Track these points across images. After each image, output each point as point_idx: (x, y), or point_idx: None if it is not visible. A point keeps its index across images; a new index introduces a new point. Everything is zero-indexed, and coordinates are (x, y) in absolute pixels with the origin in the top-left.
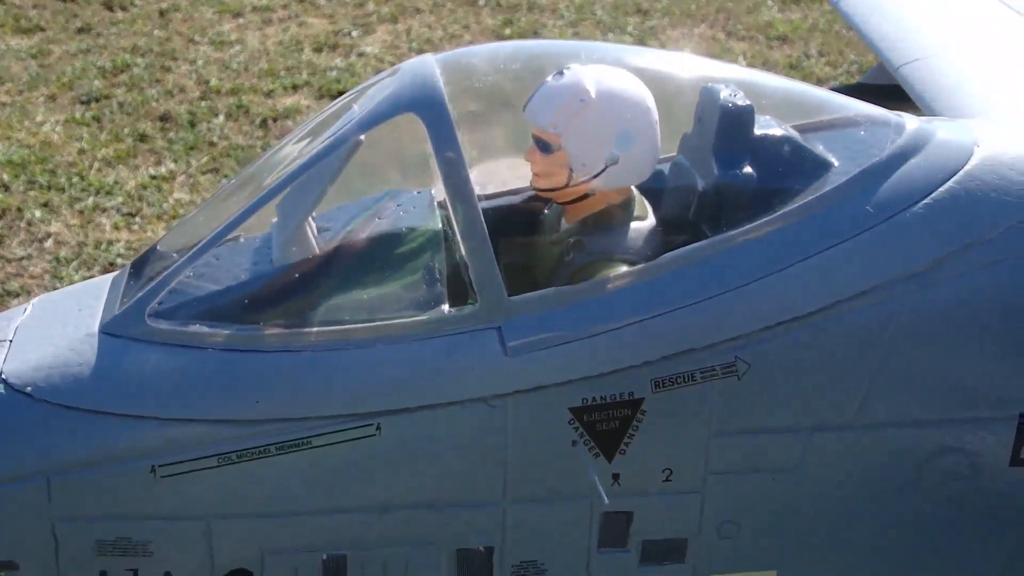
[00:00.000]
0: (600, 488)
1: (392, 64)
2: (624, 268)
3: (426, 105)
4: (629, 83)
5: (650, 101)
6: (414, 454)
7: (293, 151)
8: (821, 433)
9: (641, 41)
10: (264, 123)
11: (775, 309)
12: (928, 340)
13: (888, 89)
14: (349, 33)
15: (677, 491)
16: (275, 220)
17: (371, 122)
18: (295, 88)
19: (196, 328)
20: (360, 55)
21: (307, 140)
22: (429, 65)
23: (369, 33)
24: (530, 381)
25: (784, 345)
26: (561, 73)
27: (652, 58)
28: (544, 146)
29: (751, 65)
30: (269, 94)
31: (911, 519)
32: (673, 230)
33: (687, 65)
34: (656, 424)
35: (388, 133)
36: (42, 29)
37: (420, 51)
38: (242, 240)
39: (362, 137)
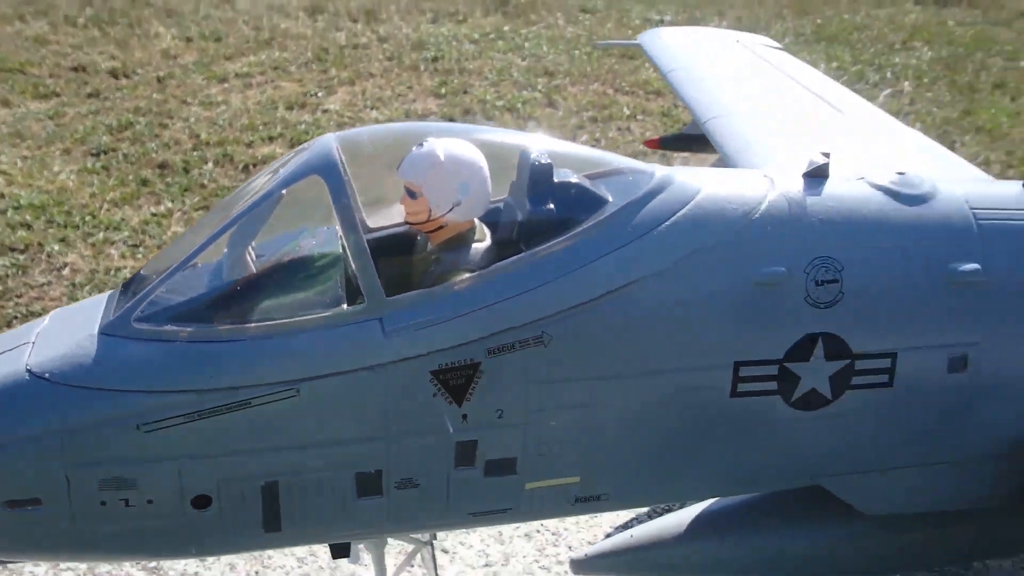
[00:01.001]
0: (449, 425)
1: (351, 118)
2: (468, 275)
3: (325, 169)
4: (467, 150)
5: (483, 161)
6: (324, 407)
7: (239, 200)
8: (607, 380)
9: (549, 96)
10: (246, 168)
11: (568, 297)
12: (673, 315)
13: (699, 137)
14: (315, 94)
15: (507, 424)
16: (225, 250)
17: (289, 181)
18: (271, 139)
19: (169, 327)
20: (324, 111)
21: (248, 193)
22: (329, 141)
23: (332, 94)
24: (403, 354)
25: (577, 322)
26: (421, 144)
27: (488, 133)
28: (411, 194)
29: (633, 114)
30: (250, 144)
31: (669, 435)
32: (503, 248)
33: (511, 137)
34: (490, 379)
35: (303, 188)
36: (57, 95)
37: (374, 108)
38: (200, 266)
39: (283, 192)
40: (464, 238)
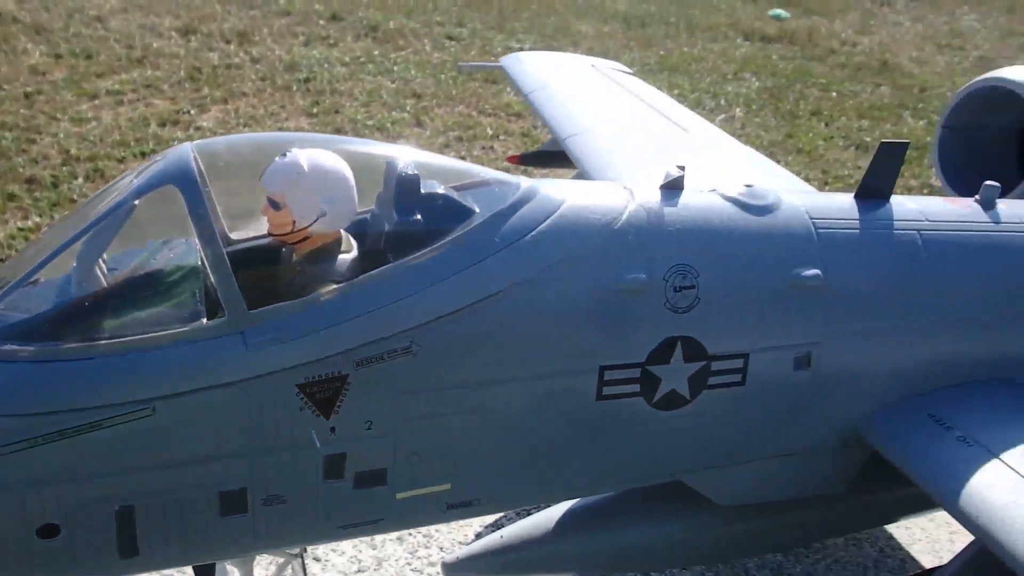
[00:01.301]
0: (317, 440)
1: (224, 135)
2: (334, 286)
3: (181, 179)
4: (332, 160)
5: (347, 172)
6: (183, 426)
7: (90, 211)
8: (476, 388)
9: (416, 117)
10: None
11: (437, 307)
12: (541, 323)
13: (558, 154)
14: (188, 111)
15: (377, 436)
16: (74, 263)
17: (143, 191)
18: (143, 155)
19: (9, 347)
20: (198, 128)
21: (100, 203)
22: (186, 150)
23: (205, 112)
24: (266, 368)
25: (446, 331)
26: (285, 154)
27: (354, 144)
28: (274, 204)
29: (496, 134)
30: (122, 160)
31: (538, 439)
32: (370, 259)
33: (378, 148)
34: (359, 391)
35: (157, 198)
36: None
37: (247, 126)
38: (46, 280)
39: (136, 202)
40: (330, 250)
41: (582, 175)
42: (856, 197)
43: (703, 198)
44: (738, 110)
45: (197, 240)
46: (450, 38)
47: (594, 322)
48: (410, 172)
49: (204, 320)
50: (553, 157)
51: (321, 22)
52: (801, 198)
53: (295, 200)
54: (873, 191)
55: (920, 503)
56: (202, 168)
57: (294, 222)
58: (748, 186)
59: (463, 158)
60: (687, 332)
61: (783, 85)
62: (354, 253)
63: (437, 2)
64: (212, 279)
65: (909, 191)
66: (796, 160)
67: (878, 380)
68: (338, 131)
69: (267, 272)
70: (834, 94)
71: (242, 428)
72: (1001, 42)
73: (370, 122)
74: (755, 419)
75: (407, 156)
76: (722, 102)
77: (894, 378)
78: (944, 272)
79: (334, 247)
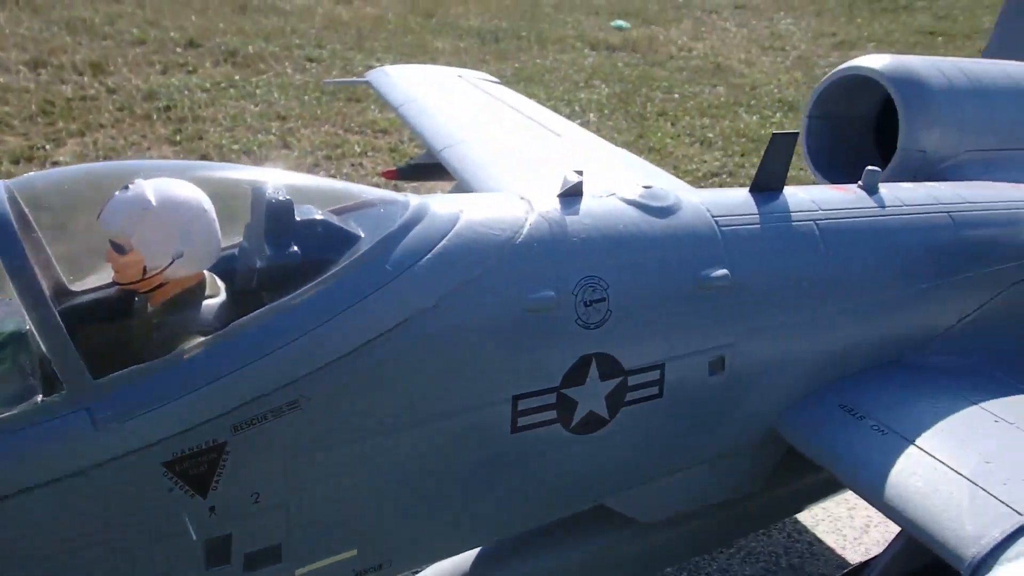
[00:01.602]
0: (192, 531)
1: None
2: (199, 339)
3: None
4: (185, 190)
5: (206, 203)
6: (23, 526)
7: None
8: (376, 437)
9: (283, 138)
10: None
11: (325, 352)
12: (445, 356)
13: (434, 166)
14: (43, 147)
15: (266, 508)
16: None
17: None
18: None
19: None
20: (55, 163)
21: None
22: None
23: (61, 146)
24: (123, 448)
25: (337, 377)
26: (127, 187)
27: (213, 170)
28: (119, 248)
29: (364, 151)
30: None
31: (449, 484)
32: (241, 302)
33: (242, 172)
34: (240, 460)
35: None
36: None
37: (107, 157)
38: None
39: None
40: (190, 296)
41: (461, 186)
42: (751, 191)
43: (604, 203)
44: (592, 115)
45: (18, 298)
46: (311, 60)
47: (503, 348)
48: (281, 197)
49: (39, 397)
50: (429, 170)
51: (178, 49)
52: (699, 196)
53: (143, 241)
54: (767, 184)
55: (830, 487)
56: (24, 210)
57: (145, 267)
58: (647, 187)
59: (333, 176)
60: (601, 348)
61: (630, 90)
62: (221, 297)
63: (295, 26)
64: (44, 345)
65: (751, 179)
66: (648, 158)
67: (789, 376)
68: (204, 157)
69: (114, 329)
70: (676, 96)
71: (99, 521)
72: (814, 42)
73: (236, 146)
74: (675, 431)
75: (276, 179)
76: (576, 108)
77: (803, 372)
78: (840, 260)
79: (196, 292)
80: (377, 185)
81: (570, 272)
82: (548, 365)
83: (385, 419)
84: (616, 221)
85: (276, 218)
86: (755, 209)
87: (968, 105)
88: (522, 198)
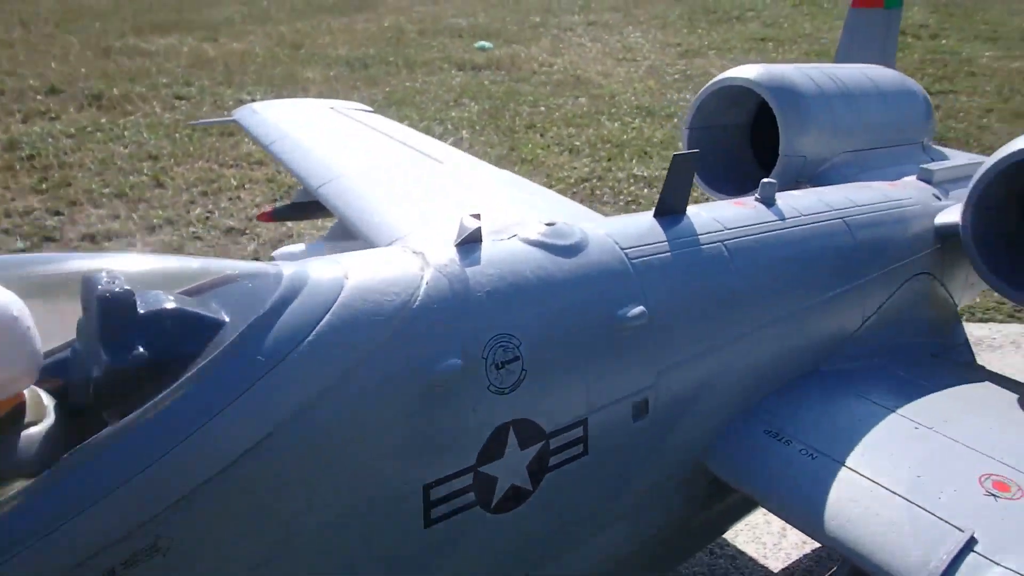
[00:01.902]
0: None
1: None
2: (23, 481)
3: None
4: None
5: (16, 304)
6: None
7: None
8: (262, 566)
9: (156, 178)
10: None
11: (192, 474)
12: (336, 454)
13: (312, 203)
14: None
15: None
16: None
17: None
18: None
19: None
20: None
21: None
22: None
23: None
24: None
25: (208, 502)
26: None
27: (23, 262)
28: None
29: (240, 184)
30: None
31: None
32: (76, 425)
33: (62, 262)
34: None
35: None
36: None
37: None
38: None
39: None
40: (10, 423)
41: (344, 223)
42: (656, 216)
43: (506, 248)
44: (464, 132)
45: None
46: (179, 97)
47: (407, 435)
48: (117, 289)
49: None
50: (307, 208)
51: (39, 97)
52: (604, 227)
53: None
54: (671, 207)
55: (750, 504)
56: None
57: None
58: (549, 224)
59: (211, 213)
60: (518, 414)
61: (499, 106)
62: (49, 421)
63: (161, 65)
64: None
65: (618, 182)
66: (522, 169)
67: (714, 404)
68: (73, 203)
69: None
70: (543, 108)
71: None
72: (662, 52)
73: (107, 189)
74: (603, 486)
75: (110, 264)
76: (449, 127)
77: (727, 399)
78: (750, 278)
79: (15, 419)
80: (254, 226)
81: (477, 333)
82: (461, 444)
83: (266, 547)
84: (522, 267)
85: (111, 314)
86: (663, 236)
87: (839, 108)
88: (415, 252)
